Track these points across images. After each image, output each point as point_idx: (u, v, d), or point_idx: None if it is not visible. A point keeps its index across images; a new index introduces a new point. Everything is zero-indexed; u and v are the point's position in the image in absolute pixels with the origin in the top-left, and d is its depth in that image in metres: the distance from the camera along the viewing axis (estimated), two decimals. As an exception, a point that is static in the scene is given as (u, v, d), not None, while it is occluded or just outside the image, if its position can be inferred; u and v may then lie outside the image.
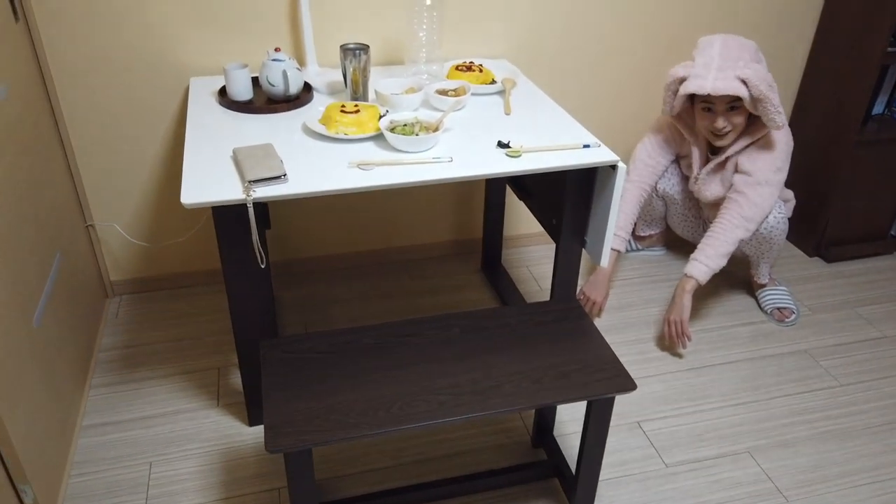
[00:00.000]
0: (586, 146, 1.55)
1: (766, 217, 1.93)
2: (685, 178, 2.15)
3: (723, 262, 1.92)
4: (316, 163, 1.44)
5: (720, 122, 1.86)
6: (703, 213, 2.18)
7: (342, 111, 1.56)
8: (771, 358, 2.00)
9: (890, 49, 2.12)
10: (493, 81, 1.85)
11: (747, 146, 1.91)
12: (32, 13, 1.70)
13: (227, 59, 1.89)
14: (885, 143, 2.28)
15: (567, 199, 1.60)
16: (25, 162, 1.57)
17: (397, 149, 1.50)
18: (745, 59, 1.78)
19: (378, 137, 1.55)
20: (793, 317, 2.13)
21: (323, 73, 1.87)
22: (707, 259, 1.92)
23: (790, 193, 2.15)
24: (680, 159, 2.13)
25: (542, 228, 2.46)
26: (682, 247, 2.49)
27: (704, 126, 1.90)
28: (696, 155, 2.02)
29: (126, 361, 1.91)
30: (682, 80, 1.84)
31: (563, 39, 2.12)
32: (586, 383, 1.26)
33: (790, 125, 2.48)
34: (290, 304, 2.16)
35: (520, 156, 1.51)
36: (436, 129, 1.53)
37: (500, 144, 1.54)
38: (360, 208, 2.25)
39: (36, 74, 1.74)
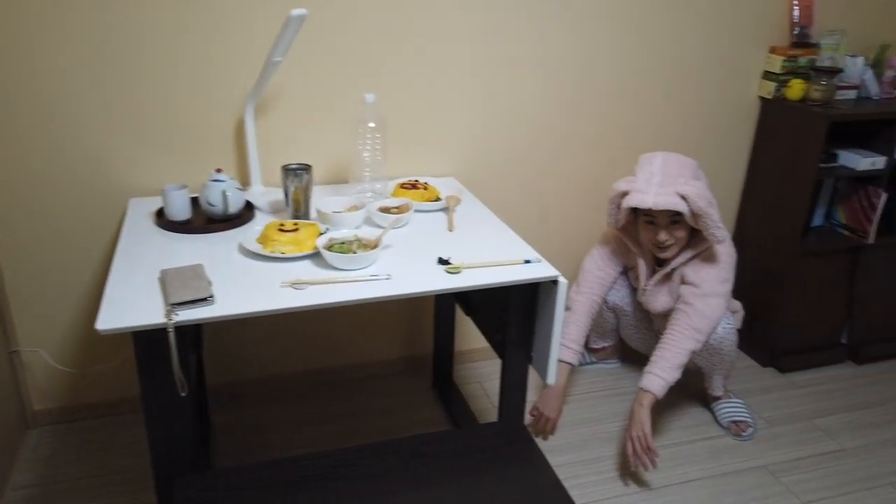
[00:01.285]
0: (527, 262, 1.54)
1: (716, 328, 1.92)
2: (634, 290, 2.15)
3: (677, 374, 1.88)
4: (249, 283, 1.39)
5: (662, 236, 1.89)
6: (655, 325, 2.17)
7: (280, 230, 1.53)
8: (731, 476, 1.92)
9: (822, 165, 2.22)
10: (438, 199, 1.87)
11: (692, 258, 1.93)
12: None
13: (172, 179, 1.88)
14: (827, 254, 2.33)
15: (511, 314, 1.57)
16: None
17: (334, 266, 1.47)
18: (686, 175, 1.83)
19: (316, 256, 1.52)
20: (750, 430, 2.08)
21: (267, 192, 1.86)
22: (661, 371, 1.88)
23: (738, 304, 2.16)
24: (628, 271, 2.14)
25: (494, 343, 2.42)
26: (637, 359, 2.45)
27: (648, 239, 1.93)
28: (642, 266, 2.03)
29: (41, 501, 1.74)
30: (624, 194, 1.88)
31: (508, 157, 2.17)
32: (531, 516, 1.17)
33: (735, 239, 2.54)
34: (227, 430, 2.03)
35: (459, 272, 1.48)
36: (375, 247, 1.51)
37: (441, 261, 1.52)
38: (303, 327, 2.18)
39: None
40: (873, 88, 2.30)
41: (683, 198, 1.78)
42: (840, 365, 2.48)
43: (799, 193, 2.22)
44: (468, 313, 1.91)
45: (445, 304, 2.13)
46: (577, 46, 2.10)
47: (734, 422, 2.10)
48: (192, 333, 1.76)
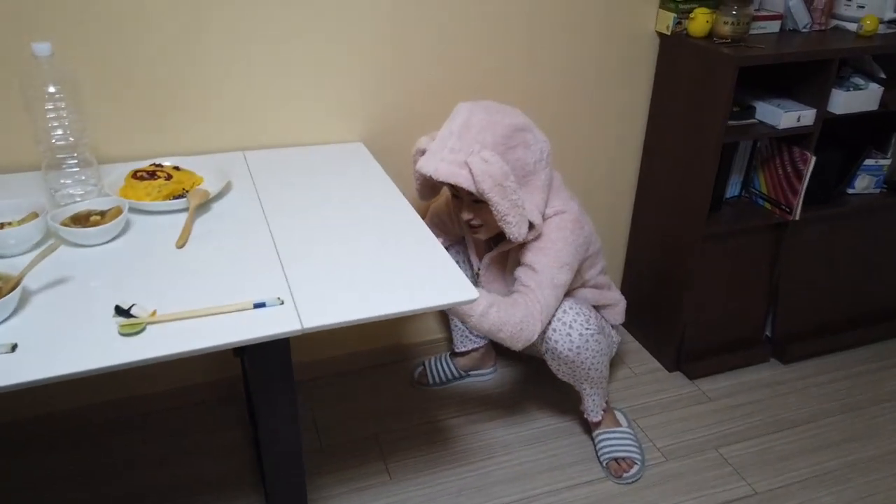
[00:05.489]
0: (259, 305, 1.01)
1: (546, 322, 1.42)
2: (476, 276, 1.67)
3: (486, 321, 1.35)
4: None
5: (465, 214, 1.43)
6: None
7: None
8: (606, 543, 1.48)
9: (732, 122, 1.70)
10: (185, 192, 1.31)
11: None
12: None
13: None
14: (742, 233, 1.85)
15: (257, 400, 1.05)
16: None
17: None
18: (488, 141, 1.31)
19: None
20: (634, 469, 1.62)
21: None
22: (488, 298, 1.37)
23: (615, 296, 1.67)
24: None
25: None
26: (517, 360, 1.98)
27: (456, 214, 1.48)
28: (469, 244, 1.63)
29: None
30: (423, 154, 1.42)
31: (410, 115, 1.61)
32: None
33: (634, 215, 2.04)
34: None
35: (140, 330, 0.95)
36: (12, 289, 0.96)
37: (119, 311, 0.98)
38: None
39: None
40: (802, 18, 1.77)
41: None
42: (762, 365, 2.03)
43: (705, 158, 1.71)
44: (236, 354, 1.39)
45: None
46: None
47: (615, 458, 1.64)
48: None
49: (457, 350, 1.89)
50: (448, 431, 1.75)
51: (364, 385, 1.90)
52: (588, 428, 1.74)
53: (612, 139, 1.91)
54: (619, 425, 1.70)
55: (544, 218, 1.41)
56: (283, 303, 1.01)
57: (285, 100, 1.56)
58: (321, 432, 1.73)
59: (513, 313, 1.37)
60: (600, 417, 1.67)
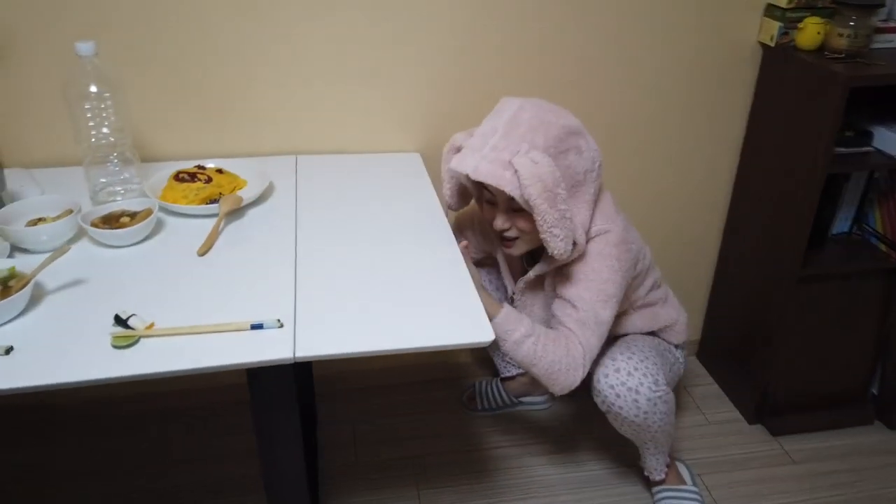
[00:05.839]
0: (257, 327, 0.95)
1: (587, 370, 1.26)
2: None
3: (520, 351, 1.23)
4: None
5: (499, 222, 1.26)
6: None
7: None
8: None
9: (841, 150, 1.47)
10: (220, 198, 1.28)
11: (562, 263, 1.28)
12: None
13: None
14: (849, 276, 1.61)
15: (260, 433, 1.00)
16: None
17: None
18: (538, 142, 1.16)
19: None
20: (698, 539, 1.45)
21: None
22: (522, 317, 1.26)
23: (670, 316, 1.47)
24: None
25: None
26: (575, 393, 1.83)
27: (489, 224, 1.31)
28: (503, 264, 1.48)
29: None
30: (458, 151, 1.26)
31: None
32: None
33: (724, 247, 1.83)
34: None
35: (133, 343, 0.92)
36: (21, 288, 0.96)
37: (119, 320, 0.95)
38: None
39: None
40: (940, 32, 1.51)
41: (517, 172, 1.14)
42: (865, 428, 1.77)
43: (806, 188, 1.49)
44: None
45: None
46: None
47: (676, 523, 1.47)
48: None
49: (502, 375, 1.78)
50: (488, 462, 1.64)
51: (411, 401, 1.82)
52: (647, 479, 1.57)
53: (701, 161, 1.72)
54: (684, 483, 1.53)
55: (588, 238, 1.26)
56: (282, 326, 0.95)
57: (342, 105, 1.51)
58: (358, 445, 1.68)
59: (551, 350, 1.24)
60: (664, 474, 1.50)
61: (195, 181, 1.29)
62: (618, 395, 1.30)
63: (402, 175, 1.46)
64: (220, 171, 1.35)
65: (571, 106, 1.45)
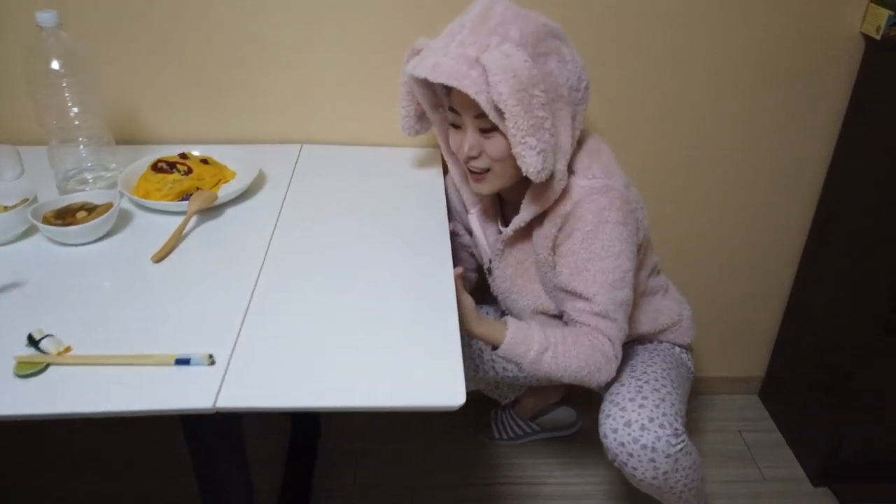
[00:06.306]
0: (182, 362, 0.79)
1: (621, 355, 1.06)
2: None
3: (541, 368, 1.04)
4: None
5: (465, 146, 1.02)
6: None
7: None
8: None
9: (958, 172, 1.18)
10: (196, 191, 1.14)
11: (547, 211, 1.05)
12: None
13: None
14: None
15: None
16: None
17: None
18: (512, 36, 0.93)
19: None
20: None
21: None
22: (531, 330, 1.06)
23: (671, 311, 1.24)
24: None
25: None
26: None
27: (456, 152, 1.08)
28: (475, 222, 1.20)
29: None
30: (417, 55, 1.05)
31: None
32: None
33: (801, 273, 1.55)
34: None
35: (40, 371, 0.78)
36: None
37: (31, 341, 0.82)
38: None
39: None
40: None
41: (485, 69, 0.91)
42: (955, 505, 1.48)
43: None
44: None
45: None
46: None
47: None
48: None
49: (502, 404, 1.58)
50: (494, 500, 1.45)
51: (424, 423, 1.65)
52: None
53: (779, 174, 1.45)
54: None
55: (571, 173, 1.03)
56: (213, 363, 0.79)
57: (353, 92, 1.33)
58: (359, 467, 1.53)
59: (574, 356, 1.03)
60: (697, 538, 1.28)
61: (173, 172, 1.15)
62: (630, 455, 1.08)
63: (413, 175, 1.27)
64: (204, 161, 1.20)
65: (620, 108, 1.22)
